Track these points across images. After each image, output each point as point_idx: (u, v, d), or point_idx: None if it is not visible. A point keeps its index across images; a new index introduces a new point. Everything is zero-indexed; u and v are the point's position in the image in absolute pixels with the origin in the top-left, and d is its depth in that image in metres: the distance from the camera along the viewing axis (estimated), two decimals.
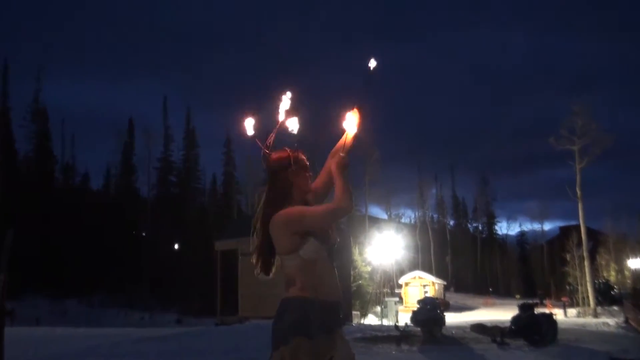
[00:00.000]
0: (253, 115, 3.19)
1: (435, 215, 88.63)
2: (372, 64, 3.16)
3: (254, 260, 3.13)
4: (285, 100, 3.19)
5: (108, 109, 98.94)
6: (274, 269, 3.11)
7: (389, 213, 75.16)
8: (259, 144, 3.14)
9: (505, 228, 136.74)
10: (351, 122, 3.11)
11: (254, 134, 3.15)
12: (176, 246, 57.63)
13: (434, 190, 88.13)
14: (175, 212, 58.25)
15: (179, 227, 56.75)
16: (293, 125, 3.17)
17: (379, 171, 62.58)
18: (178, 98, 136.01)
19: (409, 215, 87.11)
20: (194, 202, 64.29)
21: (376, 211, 76.05)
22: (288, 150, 3.12)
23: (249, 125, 3.17)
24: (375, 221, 63.49)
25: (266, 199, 3.11)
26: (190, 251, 53.89)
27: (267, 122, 3.19)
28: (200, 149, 66.72)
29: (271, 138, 3.18)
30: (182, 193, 62.84)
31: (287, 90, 3.23)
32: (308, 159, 3.14)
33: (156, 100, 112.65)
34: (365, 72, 3.10)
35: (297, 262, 2.92)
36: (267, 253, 3.08)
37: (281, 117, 3.17)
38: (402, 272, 57.10)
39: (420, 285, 50.76)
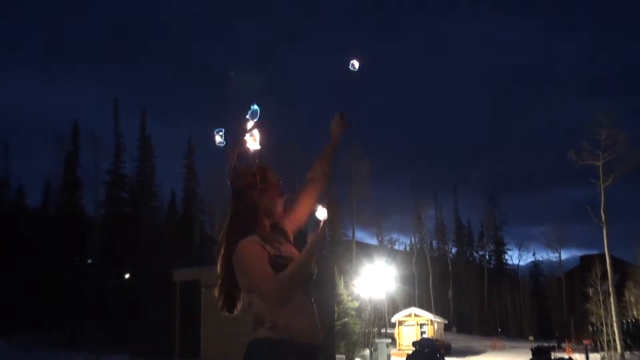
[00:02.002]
0: (223, 123, 3.22)
1: (434, 242, 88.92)
2: (354, 65, 3.26)
3: (217, 294, 3.13)
4: (253, 110, 3.22)
5: (47, 112, 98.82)
6: (239, 305, 3.11)
7: (380, 238, 75.31)
8: (234, 156, 3.17)
9: (517, 257, 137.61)
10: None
11: (226, 143, 3.18)
12: (127, 275, 57.26)
13: (433, 212, 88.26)
14: (127, 235, 57.91)
15: (132, 252, 56.42)
16: (252, 143, 3.21)
17: (369, 189, 62.78)
18: (131, 101, 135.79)
19: (404, 242, 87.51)
20: (149, 223, 63.99)
21: (365, 236, 76.23)
22: (255, 166, 3.15)
23: (221, 134, 3.19)
24: (364, 248, 63.52)
25: (228, 223, 3.17)
26: (145, 281, 53.46)
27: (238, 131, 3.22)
28: (157, 160, 66.52)
29: (242, 150, 3.19)
30: (135, 212, 62.50)
31: (256, 97, 3.26)
32: (280, 179, 3.16)
33: (105, 103, 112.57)
34: (347, 73, 3.17)
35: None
36: (229, 286, 3.07)
37: (249, 127, 3.20)
38: (395, 309, 57.13)
39: (417, 324, 50.77)
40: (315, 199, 3.33)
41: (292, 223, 3.29)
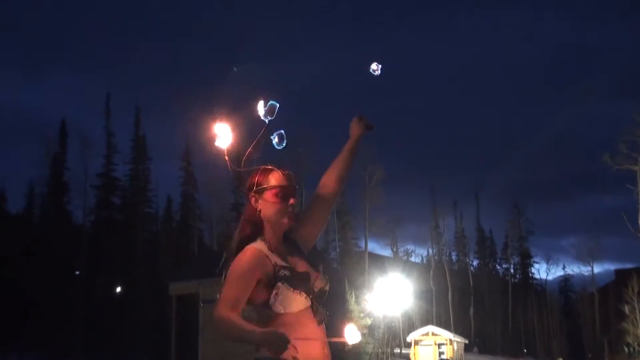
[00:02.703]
0: (224, 120, 3.21)
1: (454, 254, 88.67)
2: (375, 67, 3.33)
3: None
4: (263, 107, 3.24)
5: (31, 110, 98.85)
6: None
7: (394, 249, 75.06)
8: (227, 159, 3.18)
9: (545, 271, 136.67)
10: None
11: (226, 145, 3.18)
12: (119, 289, 57.28)
13: (452, 221, 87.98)
14: (118, 244, 57.91)
15: (124, 264, 56.45)
16: (279, 140, 3.25)
17: (383, 195, 62.70)
18: (124, 97, 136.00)
19: (421, 253, 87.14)
20: (142, 231, 64.04)
21: (379, 247, 76.16)
22: (261, 167, 3.20)
23: (222, 133, 3.19)
24: (377, 260, 63.46)
25: (237, 230, 3.23)
26: (138, 295, 53.60)
27: (247, 130, 3.27)
28: (152, 162, 66.61)
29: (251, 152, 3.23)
30: (128, 220, 62.54)
31: (261, 92, 3.27)
32: (284, 183, 3.17)
33: (96, 100, 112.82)
34: (368, 75, 3.21)
35: (268, 315, 2.96)
36: None
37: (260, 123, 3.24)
38: (411, 327, 57.01)
39: (435, 344, 50.64)
40: (327, 206, 3.37)
41: (303, 234, 3.30)
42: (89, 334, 52.24)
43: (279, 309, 2.93)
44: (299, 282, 2.97)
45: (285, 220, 3.13)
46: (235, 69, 3.45)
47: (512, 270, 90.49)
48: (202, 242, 66.00)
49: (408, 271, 56.46)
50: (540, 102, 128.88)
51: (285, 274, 2.96)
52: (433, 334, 52.24)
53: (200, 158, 63.83)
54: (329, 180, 3.40)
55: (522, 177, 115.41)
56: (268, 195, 3.13)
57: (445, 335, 52.26)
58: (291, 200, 3.13)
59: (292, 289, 2.93)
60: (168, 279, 35.36)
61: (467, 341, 58.19)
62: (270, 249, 3.09)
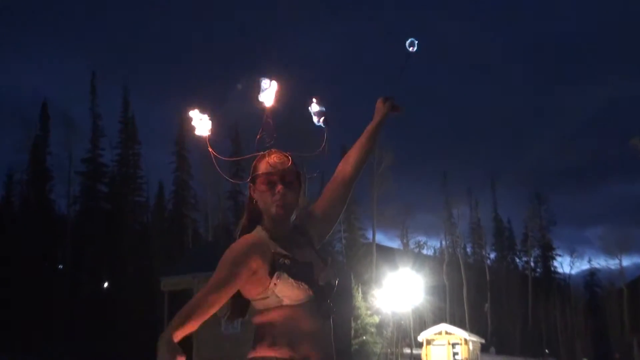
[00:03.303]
0: (205, 108, 3.28)
1: (469, 246, 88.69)
2: (411, 46, 3.42)
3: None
4: (266, 87, 3.27)
5: (10, 90, 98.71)
6: (247, 316, 3.19)
7: (405, 241, 75.20)
8: (210, 148, 3.23)
9: (568, 264, 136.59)
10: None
11: (208, 133, 3.24)
12: (106, 284, 57.36)
13: (467, 210, 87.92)
14: (105, 235, 58.03)
15: (111, 257, 56.55)
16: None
17: (392, 182, 62.76)
18: (111, 75, 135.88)
19: (433, 245, 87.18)
20: (132, 222, 64.17)
21: (387, 238, 76.23)
22: (261, 154, 3.25)
23: (201, 121, 3.25)
24: (386, 252, 63.54)
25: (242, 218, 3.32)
26: (127, 291, 53.66)
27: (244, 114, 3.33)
28: (142, 146, 66.65)
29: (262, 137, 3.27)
30: (115, 209, 62.61)
31: (263, 72, 3.32)
32: (276, 167, 3.18)
33: (80, 79, 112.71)
34: (401, 56, 3.30)
35: (267, 308, 2.99)
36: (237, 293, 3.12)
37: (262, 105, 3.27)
38: (423, 325, 57.09)
39: (448, 344, 50.72)
40: (342, 194, 3.44)
41: (315, 224, 3.35)
42: (73, 334, 52.18)
43: (277, 299, 2.94)
44: (300, 272, 2.99)
45: (273, 209, 3.14)
46: (239, 86, 3.56)
47: (532, 264, 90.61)
48: (196, 234, 66.12)
49: (419, 265, 56.52)
50: (563, 83, 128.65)
51: (285, 263, 2.99)
52: (446, 333, 52.30)
53: (195, 142, 63.98)
54: (345, 166, 3.46)
55: (544, 163, 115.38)
56: (258, 183, 3.17)
57: (459, 334, 52.33)
58: (278, 187, 3.14)
59: (291, 279, 2.95)
60: (160, 274, 35.47)
61: (483, 341, 58.26)
62: (271, 237, 3.11)
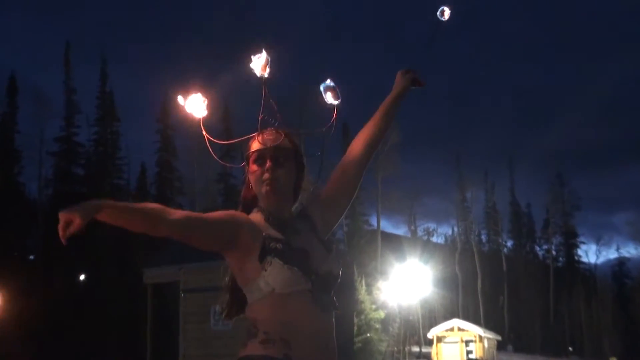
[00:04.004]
0: (196, 86, 3.35)
1: (484, 233, 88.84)
2: (444, 12, 3.48)
3: (222, 293, 3.31)
4: (260, 59, 3.33)
5: None
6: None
7: (412, 228, 75.38)
8: (204, 131, 3.29)
9: (594, 253, 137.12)
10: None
11: (203, 114, 3.31)
12: (83, 276, 57.42)
13: (482, 194, 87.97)
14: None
15: (88, 246, 56.52)
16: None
17: (399, 163, 62.83)
18: (87, 46, 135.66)
19: (444, 232, 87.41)
20: None
21: (393, 225, 76.24)
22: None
23: (194, 101, 3.33)
24: (392, 240, 63.70)
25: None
26: (106, 284, 53.74)
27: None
28: (121, 124, 66.58)
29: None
30: (93, 193, 62.43)
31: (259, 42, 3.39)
32: (275, 143, 3.24)
33: (53, 50, 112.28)
34: (431, 23, 3.35)
35: (257, 298, 3.03)
36: (236, 286, 3.20)
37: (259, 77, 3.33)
38: (433, 321, 57.35)
39: (461, 342, 50.95)
40: (351, 177, 3.42)
41: (321, 210, 3.37)
42: (46, 331, 52.24)
43: (267, 285, 2.96)
44: (294, 258, 3.00)
45: (262, 188, 3.18)
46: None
47: (554, 253, 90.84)
48: None
49: (429, 254, 56.74)
50: (589, 57, 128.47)
51: (276, 247, 3.01)
52: (459, 330, 52.50)
53: (180, 119, 63.79)
54: (356, 145, 3.46)
55: (567, 142, 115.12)
56: (250, 162, 3.24)
57: (473, 330, 52.53)
58: (267, 165, 3.18)
59: (283, 263, 2.97)
60: (142, 265, 35.41)
61: (499, 338, 58.50)
62: (266, 219, 3.16)
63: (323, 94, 3.42)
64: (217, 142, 3.37)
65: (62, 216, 2.89)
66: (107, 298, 52.28)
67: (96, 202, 2.91)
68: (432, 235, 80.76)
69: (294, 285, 2.97)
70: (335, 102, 3.41)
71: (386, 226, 68.97)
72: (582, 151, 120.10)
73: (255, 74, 3.32)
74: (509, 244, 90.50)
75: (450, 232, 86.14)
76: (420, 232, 76.29)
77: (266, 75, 3.30)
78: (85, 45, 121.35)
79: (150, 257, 37.57)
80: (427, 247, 65.76)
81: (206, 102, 3.31)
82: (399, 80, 3.56)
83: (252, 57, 3.32)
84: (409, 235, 73.15)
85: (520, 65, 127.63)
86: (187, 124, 3.31)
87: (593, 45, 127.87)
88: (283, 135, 3.24)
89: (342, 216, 3.51)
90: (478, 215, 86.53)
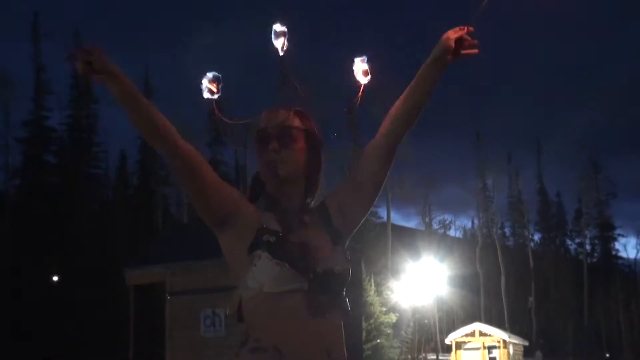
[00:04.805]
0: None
1: (508, 226, 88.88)
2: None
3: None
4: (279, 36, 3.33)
5: None
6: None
7: (427, 220, 75.39)
8: (217, 111, 3.31)
9: (634, 247, 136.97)
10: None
11: (216, 94, 3.28)
12: (56, 278, 57.49)
13: (505, 181, 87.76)
14: (54, 217, 58.10)
15: (62, 243, 56.65)
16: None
17: (412, 147, 62.82)
18: (58, 16, 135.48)
19: (463, 225, 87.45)
20: (88, 200, 64.28)
21: (405, 217, 76.23)
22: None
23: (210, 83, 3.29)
24: (403, 234, 63.79)
25: None
26: (83, 286, 53.79)
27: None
28: (99, 106, 66.58)
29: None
30: (67, 184, 62.64)
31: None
32: (271, 123, 3.23)
33: (19, 21, 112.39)
34: None
35: (248, 296, 3.04)
36: None
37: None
38: (451, 325, 57.49)
39: (483, 348, 51.08)
40: (378, 163, 3.33)
41: (341, 203, 3.30)
42: (16, 339, 52.33)
43: (254, 282, 2.96)
44: (288, 253, 2.98)
45: (268, 172, 3.19)
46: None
47: (587, 247, 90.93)
48: (167, 214, 66.37)
49: (446, 250, 56.87)
50: (624, 27, 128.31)
51: (269, 240, 3.00)
52: (481, 334, 52.63)
53: (166, 97, 63.70)
54: (387, 121, 3.38)
55: (601, 122, 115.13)
56: (256, 144, 3.24)
57: (497, 335, 52.65)
58: (271, 144, 3.16)
59: (271, 258, 2.95)
60: (123, 264, 35.50)
61: (526, 343, 58.66)
62: (269, 208, 3.17)
63: (355, 71, 3.37)
64: (228, 122, 3.41)
65: (81, 53, 2.82)
66: (84, 301, 52.31)
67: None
68: (449, 229, 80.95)
69: (284, 284, 2.95)
70: (364, 81, 3.36)
71: (397, 218, 69.18)
72: (618, 132, 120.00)
73: (274, 49, 3.30)
74: (537, 237, 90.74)
75: (469, 224, 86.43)
76: (435, 225, 76.36)
77: (282, 50, 3.28)
78: (56, 15, 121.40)
79: (132, 255, 37.70)
80: (444, 242, 65.93)
81: (220, 82, 3.27)
82: (445, 43, 3.17)
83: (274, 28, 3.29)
84: (422, 228, 73.11)
85: (550, 36, 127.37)
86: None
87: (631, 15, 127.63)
88: (292, 113, 3.21)
89: (369, 205, 3.40)
90: (501, 205, 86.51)
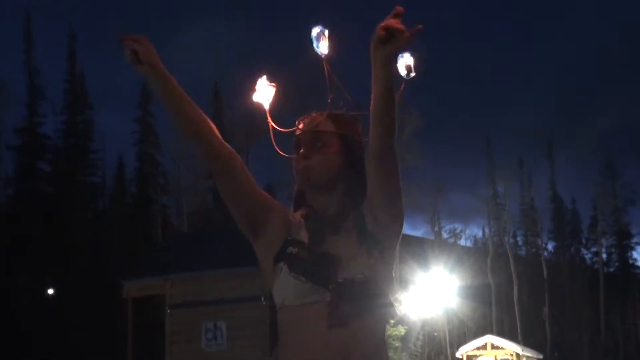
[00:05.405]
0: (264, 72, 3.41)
1: (520, 234, 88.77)
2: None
3: None
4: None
5: None
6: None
7: (436, 228, 75.40)
8: (270, 119, 3.36)
9: None
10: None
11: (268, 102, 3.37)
12: (51, 291, 57.48)
13: (517, 188, 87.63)
14: (49, 227, 58.10)
15: (57, 254, 56.65)
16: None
17: (420, 153, 62.88)
18: (52, 18, 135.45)
19: (474, 234, 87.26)
20: (84, 209, 64.30)
21: (412, 226, 75.87)
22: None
23: (263, 87, 3.38)
24: (411, 243, 63.70)
25: None
26: (79, 300, 53.81)
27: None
28: (95, 112, 66.67)
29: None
30: (62, 193, 62.71)
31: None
32: (305, 125, 3.33)
33: (11, 22, 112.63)
34: None
35: (277, 309, 3.15)
36: None
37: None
38: (462, 337, 57.46)
39: None
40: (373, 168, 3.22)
41: (368, 210, 3.27)
42: (10, 354, 52.32)
43: (277, 297, 3.08)
44: (306, 265, 3.05)
45: (298, 178, 3.27)
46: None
47: (604, 256, 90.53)
48: (167, 223, 66.30)
49: (456, 259, 56.86)
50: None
51: (291, 252, 3.10)
52: (493, 347, 52.56)
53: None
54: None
55: (619, 124, 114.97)
56: (293, 149, 3.32)
57: (510, 348, 52.59)
58: (302, 150, 3.23)
59: (289, 271, 3.04)
60: (121, 276, 35.66)
61: (541, 356, 58.54)
62: (306, 217, 3.26)
63: (401, 69, 3.27)
64: (281, 131, 3.39)
65: (129, 41, 3.02)
66: (80, 314, 52.30)
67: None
68: (460, 238, 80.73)
69: (304, 296, 3.02)
70: (410, 76, 3.25)
71: (405, 227, 68.84)
72: (636, 135, 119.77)
73: (315, 51, 3.29)
74: (550, 246, 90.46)
75: (480, 233, 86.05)
76: (445, 234, 76.33)
77: (325, 51, 3.25)
78: (50, 17, 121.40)
79: (130, 267, 37.80)
80: (454, 251, 65.85)
81: (274, 89, 3.36)
82: (373, 49, 2.94)
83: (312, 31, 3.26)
84: (432, 237, 73.11)
85: (564, 30, 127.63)
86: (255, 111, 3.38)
87: None
88: (325, 117, 3.26)
89: (392, 212, 3.29)
90: (513, 213, 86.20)
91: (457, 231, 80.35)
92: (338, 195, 3.26)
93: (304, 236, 3.17)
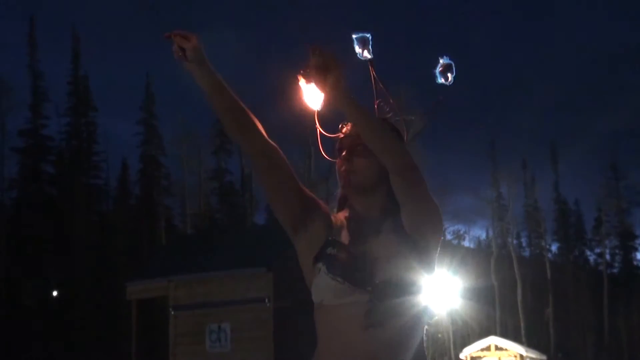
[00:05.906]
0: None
1: (524, 235, 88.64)
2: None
3: None
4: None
5: None
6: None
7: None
8: (318, 124, 3.40)
9: None
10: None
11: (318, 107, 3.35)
12: (55, 293, 57.43)
13: (521, 189, 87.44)
14: (53, 229, 58.08)
15: (61, 256, 56.60)
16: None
17: (422, 155, 62.82)
18: (56, 21, 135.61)
19: (477, 236, 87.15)
20: (87, 212, 64.25)
21: None
22: None
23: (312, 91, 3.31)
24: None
25: None
26: (83, 301, 53.75)
27: None
28: (98, 114, 66.62)
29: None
30: (65, 195, 62.63)
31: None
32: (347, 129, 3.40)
33: (15, 25, 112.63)
34: None
35: (315, 308, 3.24)
36: None
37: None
38: (466, 339, 57.43)
39: None
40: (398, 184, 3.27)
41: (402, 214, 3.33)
42: (13, 355, 52.25)
43: (316, 296, 3.15)
44: (342, 266, 3.12)
45: (340, 180, 3.34)
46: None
47: (608, 257, 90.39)
48: (171, 225, 66.23)
49: (459, 261, 56.81)
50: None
51: (330, 252, 3.16)
52: (497, 349, 52.52)
53: (168, 104, 63.57)
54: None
55: (622, 126, 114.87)
56: (337, 152, 3.38)
57: (513, 349, 52.54)
58: (344, 153, 3.30)
59: (327, 272, 3.10)
60: (125, 278, 35.71)
61: (544, 357, 58.50)
62: (348, 217, 3.33)
63: (436, 71, 3.46)
64: (330, 137, 3.42)
65: (178, 38, 3.02)
66: (84, 316, 52.25)
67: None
68: (463, 239, 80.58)
69: (342, 297, 3.09)
70: (447, 81, 3.48)
71: None
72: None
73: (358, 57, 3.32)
74: (554, 247, 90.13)
75: (483, 235, 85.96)
76: (448, 236, 76.17)
77: (369, 56, 3.29)
78: (54, 20, 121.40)
79: (133, 269, 37.82)
80: (457, 254, 65.75)
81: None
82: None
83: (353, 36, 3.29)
84: None
85: (567, 31, 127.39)
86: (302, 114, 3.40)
87: None
88: None
89: (422, 215, 3.36)
90: (517, 214, 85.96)
91: (461, 233, 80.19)
92: (379, 198, 3.33)
93: (344, 237, 3.24)
